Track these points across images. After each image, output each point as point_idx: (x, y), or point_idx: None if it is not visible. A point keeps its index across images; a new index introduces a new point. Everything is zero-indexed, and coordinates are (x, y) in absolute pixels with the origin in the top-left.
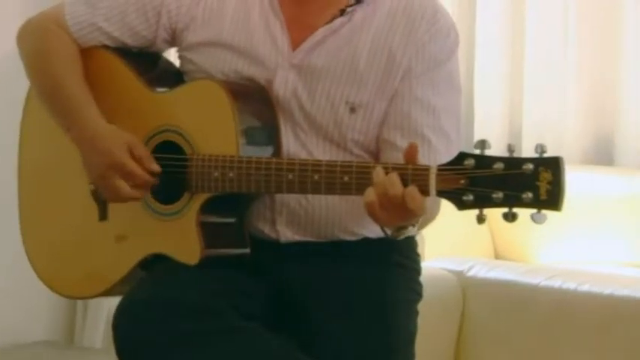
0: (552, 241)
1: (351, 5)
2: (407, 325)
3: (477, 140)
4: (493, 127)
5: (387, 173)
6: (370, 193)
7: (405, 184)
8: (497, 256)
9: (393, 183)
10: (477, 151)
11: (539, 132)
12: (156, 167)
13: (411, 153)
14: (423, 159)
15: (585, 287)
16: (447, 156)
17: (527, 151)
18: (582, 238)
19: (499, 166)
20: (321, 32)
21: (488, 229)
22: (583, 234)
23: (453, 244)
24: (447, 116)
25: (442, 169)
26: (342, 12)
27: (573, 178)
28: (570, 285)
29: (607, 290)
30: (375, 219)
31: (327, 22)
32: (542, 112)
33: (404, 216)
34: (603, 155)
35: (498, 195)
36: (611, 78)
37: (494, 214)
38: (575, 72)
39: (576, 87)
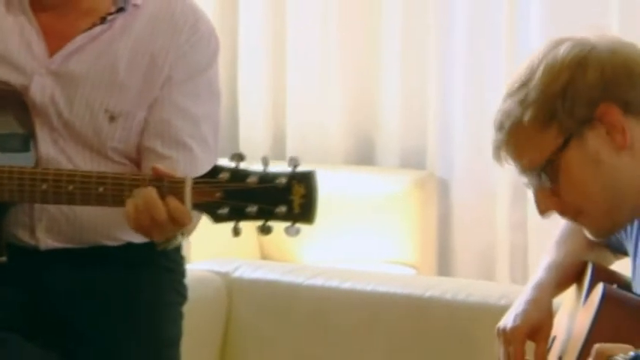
0: (318, 241)
1: (111, 13)
2: (171, 328)
3: (232, 153)
4: (257, 129)
5: (140, 185)
6: (130, 208)
7: (162, 196)
8: (263, 257)
9: (155, 205)
10: (233, 164)
11: (302, 133)
12: None
13: (158, 172)
14: (185, 167)
15: (347, 285)
16: (207, 163)
17: (292, 151)
18: (346, 237)
19: (253, 179)
20: (79, 39)
21: (255, 230)
22: (347, 233)
23: (219, 245)
24: (207, 123)
25: (197, 181)
26: (103, 20)
27: (337, 179)
28: (333, 283)
29: (368, 287)
30: (141, 233)
31: (87, 29)
32: (305, 113)
33: (169, 228)
34: (365, 155)
35: (253, 208)
36: (371, 81)
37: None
38: (337, 75)
39: (338, 89)
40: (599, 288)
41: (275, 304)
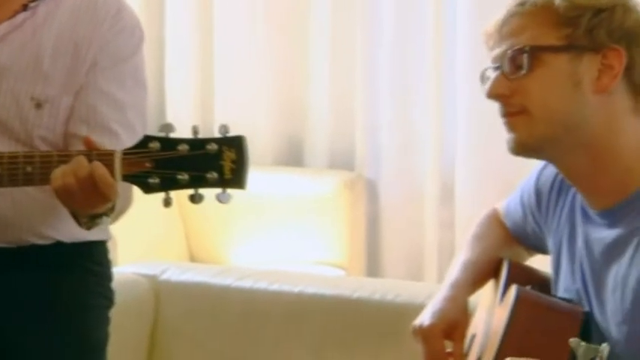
0: (247, 242)
1: (34, 1)
2: (97, 332)
3: (161, 124)
4: (185, 129)
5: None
6: (57, 177)
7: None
8: (192, 259)
9: (81, 164)
10: (162, 134)
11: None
12: None
13: (89, 143)
14: None
15: (276, 286)
16: None
17: None
18: (275, 238)
19: (184, 147)
20: (2, 28)
21: (184, 232)
22: (276, 234)
23: (147, 248)
24: (133, 110)
25: (127, 152)
26: (25, 7)
27: (265, 179)
28: (261, 285)
29: (297, 288)
30: (67, 204)
31: (9, 18)
32: (233, 114)
33: (96, 198)
34: (293, 156)
35: (184, 176)
36: (299, 81)
37: (189, 216)
38: (266, 75)
39: (267, 90)
40: (513, 290)
41: (203, 307)
